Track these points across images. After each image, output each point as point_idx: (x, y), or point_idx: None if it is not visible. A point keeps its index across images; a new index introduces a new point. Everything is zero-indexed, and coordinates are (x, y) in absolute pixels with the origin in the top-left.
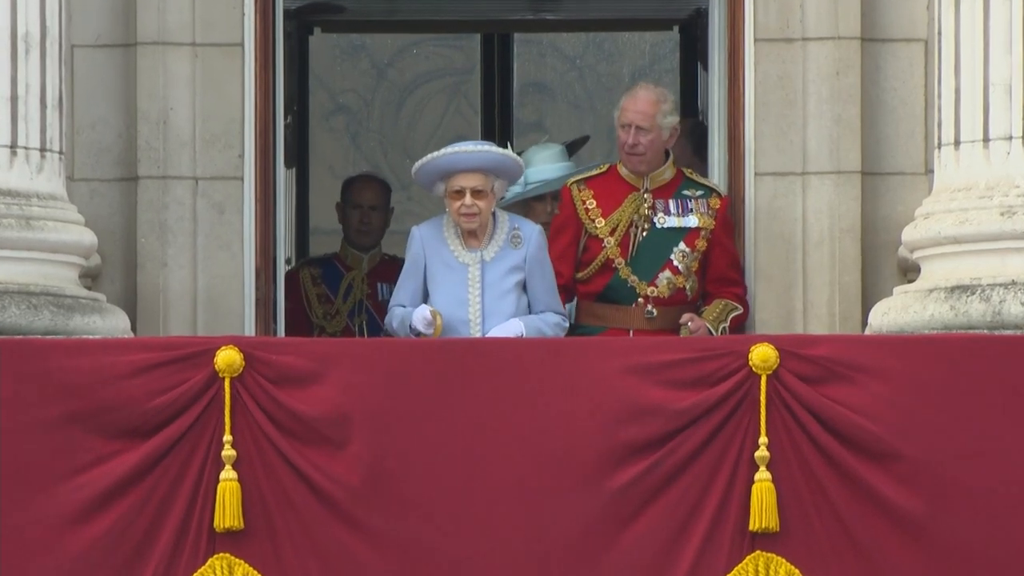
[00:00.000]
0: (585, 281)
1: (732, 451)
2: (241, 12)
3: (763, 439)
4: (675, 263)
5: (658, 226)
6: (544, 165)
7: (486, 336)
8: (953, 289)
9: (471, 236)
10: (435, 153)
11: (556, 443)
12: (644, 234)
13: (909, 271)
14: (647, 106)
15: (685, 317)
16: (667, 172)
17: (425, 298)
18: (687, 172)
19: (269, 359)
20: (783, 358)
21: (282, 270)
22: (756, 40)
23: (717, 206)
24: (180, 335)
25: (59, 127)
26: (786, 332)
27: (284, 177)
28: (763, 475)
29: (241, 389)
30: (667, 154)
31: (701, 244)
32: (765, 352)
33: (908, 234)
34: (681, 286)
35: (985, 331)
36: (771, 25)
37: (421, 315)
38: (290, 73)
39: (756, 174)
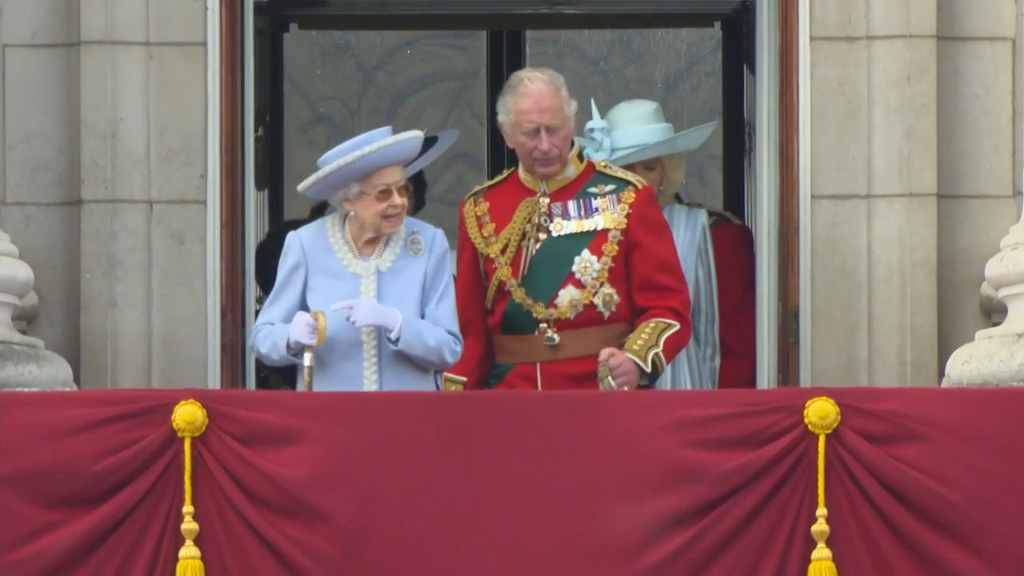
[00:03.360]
0: (490, 311)
1: (785, 524)
2: (204, 5)
3: (821, 510)
4: (578, 276)
5: (554, 234)
6: (633, 127)
7: (357, 311)
8: None
9: (367, 242)
10: (362, 150)
11: (578, 514)
12: (537, 246)
13: (994, 312)
14: (551, 99)
15: (604, 353)
16: (569, 168)
17: None
18: (599, 165)
19: (237, 415)
20: (845, 414)
21: (252, 310)
22: (812, 38)
23: (631, 200)
24: (132, 387)
25: None
26: (848, 384)
27: (255, 200)
28: (822, 553)
29: (204, 451)
30: (571, 145)
31: (611, 249)
32: (824, 407)
33: (993, 268)
34: (588, 302)
35: None
36: (830, 21)
37: (301, 323)
38: (261, 77)
39: (812, 197)
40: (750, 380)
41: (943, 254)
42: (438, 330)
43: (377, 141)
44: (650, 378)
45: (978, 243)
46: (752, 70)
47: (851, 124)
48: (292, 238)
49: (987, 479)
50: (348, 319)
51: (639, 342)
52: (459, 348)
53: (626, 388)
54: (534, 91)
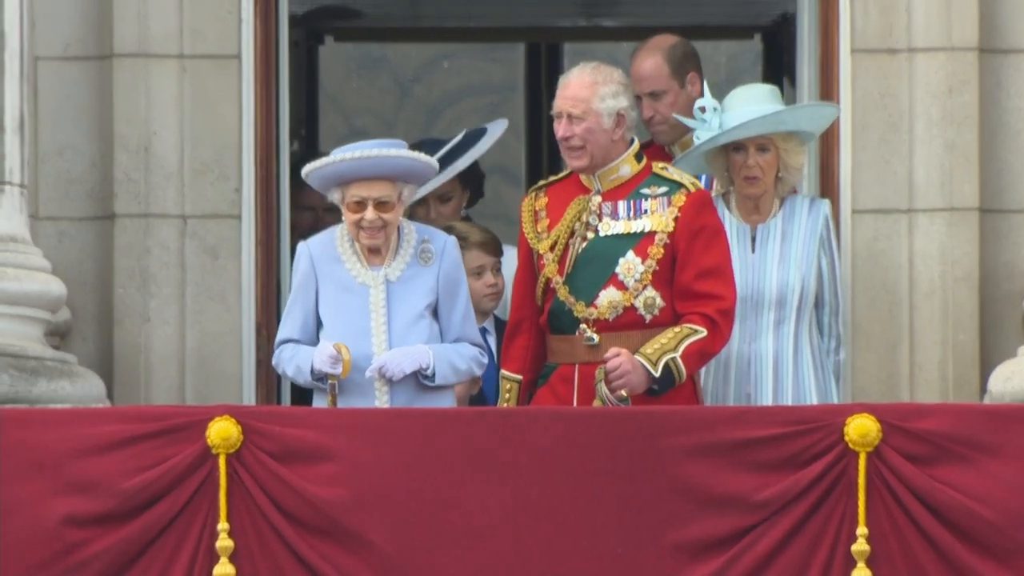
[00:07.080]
0: (540, 309)
1: (825, 543)
2: (238, 18)
3: (862, 529)
4: (621, 278)
5: (601, 234)
6: (743, 108)
7: (390, 366)
8: None
9: (373, 251)
10: (330, 157)
11: (612, 536)
12: (584, 245)
13: None
14: (579, 89)
15: (609, 353)
16: (624, 167)
17: (318, 327)
18: (658, 167)
19: (272, 432)
20: (886, 432)
21: None
22: (853, 51)
23: (680, 204)
24: (165, 404)
25: (20, 155)
26: (889, 401)
27: (289, 215)
28: (862, 573)
29: (239, 467)
30: (630, 144)
31: (656, 252)
32: (864, 425)
33: None
34: (629, 305)
35: None
36: (871, 33)
37: (324, 353)
38: (297, 90)
39: (854, 211)
40: None
41: (985, 269)
42: (463, 348)
43: (362, 150)
44: (661, 384)
45: (1020, 258)
46: (793, 83)
47: (892, 137)
48: (301, 248)
49: None
50: (384, 376)
51: (656, 346)
52: (485, 359)
53: (624, 392)
54: (567, 79)
